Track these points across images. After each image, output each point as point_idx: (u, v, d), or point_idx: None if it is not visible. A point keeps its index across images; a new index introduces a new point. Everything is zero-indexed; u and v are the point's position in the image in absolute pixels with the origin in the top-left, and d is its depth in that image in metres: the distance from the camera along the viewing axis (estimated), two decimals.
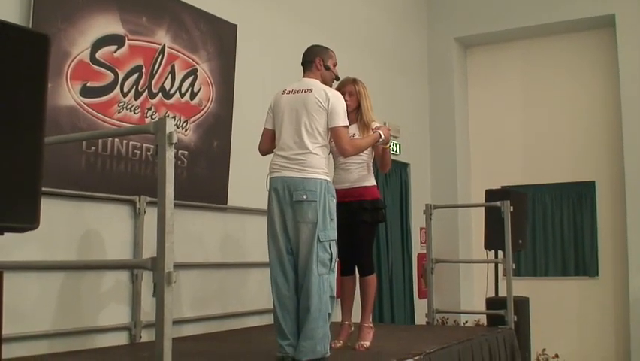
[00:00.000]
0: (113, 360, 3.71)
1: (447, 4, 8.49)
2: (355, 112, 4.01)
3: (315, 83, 3.51)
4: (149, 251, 4.36)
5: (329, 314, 3.30)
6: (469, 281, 8.00)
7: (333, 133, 3.41)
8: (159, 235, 2.11)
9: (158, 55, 4.54)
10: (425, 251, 5.89)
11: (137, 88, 4.38)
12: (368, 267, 3.92)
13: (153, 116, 4.47)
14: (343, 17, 6.80)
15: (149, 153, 4.41)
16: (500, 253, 5.93)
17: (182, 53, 4.72)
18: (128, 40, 4.32)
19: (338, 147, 3.45)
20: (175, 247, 4.62)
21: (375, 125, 3.93)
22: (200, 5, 4.86)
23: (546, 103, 8.26)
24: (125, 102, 4.29)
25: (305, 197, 3.27)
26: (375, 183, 4.04)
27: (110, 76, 4.20)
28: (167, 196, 2.13)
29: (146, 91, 4.45)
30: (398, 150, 7.53)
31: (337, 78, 3.77)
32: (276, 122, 3.53)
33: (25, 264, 3.11)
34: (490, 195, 6.08)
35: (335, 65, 3.75)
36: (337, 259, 3.43)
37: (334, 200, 3.39)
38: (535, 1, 7.96)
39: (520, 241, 6.17)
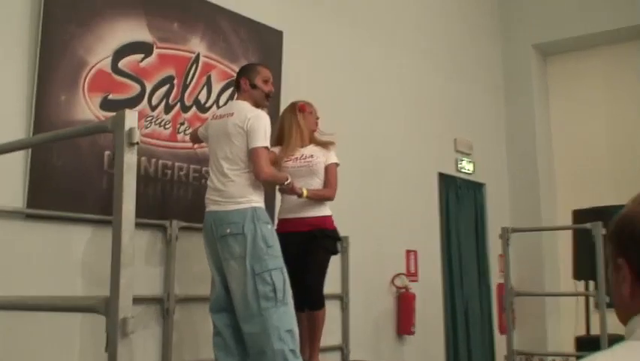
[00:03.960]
0: None
1: (522, 8, 7.70)
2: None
3: (239, 105, 3.36)
4: (181, 283, 3.89)
5: (292, 351, 2.96)
6: (556, 315, 7.09)
7: (251, 154, 3.22)
8: (113, 267, 1.53)
9: (192, 64, 4.10)
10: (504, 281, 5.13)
11: (167, 101, 3.94)
12: (319, 299, 3.64)
13: (186, 132, 4.01)
14: (404, 23, 6.17)
15: (181, 173, 3.96)
16: (592, 283, 5.15)
17: (220, 62, 4.26)
18: (157, 48, 3.90)
19: (255, 168, 3.20)
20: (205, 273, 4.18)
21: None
22: (241, 10, 4.41)
23: (636, 113, 7.34)
24: (153, 116, 3.85)
25: (228, 230, 3.12)
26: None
27: (136, 87, 3.78)
28: (124, 214, 1.55)
29: (178, 104, 4.01)
30: (472, 170, 6.82)
31: (268, 96, 3.51)
32: (209, 150, 3.49)
33: None
34: (579, 216, 5.32)
35: (266, 81, 3.50)
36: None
37: (268, 226, 3.17)
38: (619, 2, 7.10)
39: None
